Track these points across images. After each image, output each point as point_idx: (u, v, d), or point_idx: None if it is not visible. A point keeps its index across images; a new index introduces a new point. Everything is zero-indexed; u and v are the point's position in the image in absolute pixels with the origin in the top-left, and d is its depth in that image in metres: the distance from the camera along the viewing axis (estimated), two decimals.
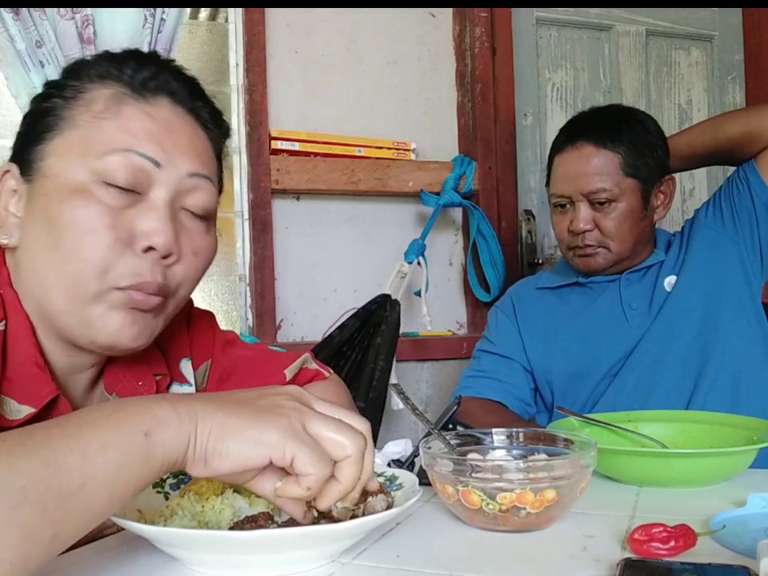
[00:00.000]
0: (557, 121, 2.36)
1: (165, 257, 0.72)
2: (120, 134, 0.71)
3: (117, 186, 0.70)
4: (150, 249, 0.71)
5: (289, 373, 0.96)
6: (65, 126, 0.73)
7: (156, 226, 0.71)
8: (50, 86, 0.77)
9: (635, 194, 1.37)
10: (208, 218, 0.78)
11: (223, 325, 2.03)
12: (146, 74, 0.74)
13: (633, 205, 1.37)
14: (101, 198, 0.70)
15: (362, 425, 0.58)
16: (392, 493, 0.66)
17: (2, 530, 0.43)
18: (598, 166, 1.35)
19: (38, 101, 0.77)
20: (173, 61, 0.80)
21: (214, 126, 0.80)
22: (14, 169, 0.75)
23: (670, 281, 1.39)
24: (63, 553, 0.63)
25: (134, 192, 0.71)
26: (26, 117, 0.78)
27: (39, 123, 0.74)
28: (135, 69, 0.74)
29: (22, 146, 0.75)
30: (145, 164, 0.71)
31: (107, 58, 0.77)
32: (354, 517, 0.59)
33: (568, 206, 1.40)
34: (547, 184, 1.48)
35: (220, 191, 0.85)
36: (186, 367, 0.91)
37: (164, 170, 0.72)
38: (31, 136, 0.74)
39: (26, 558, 0.44)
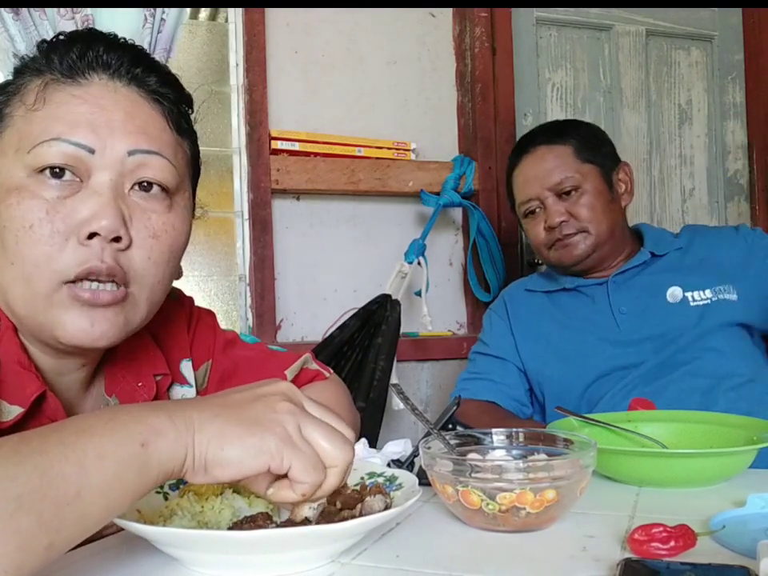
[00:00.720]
0: None
1: (114, 241, 0.68)
2: (48, 123, 0.68)
3: (52, 177, 0.67)
4: (93, 235, 0.67)
5: (290, 374, 0.95)
6: (4, 124, 0.70)
7: (97, 210, 0.67)
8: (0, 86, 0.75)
9: (597, 177, 1.43)
10: (169, 194, 0.73)
11: (223, 325, 2.02)
12: (74, 54, 0.70)
13: (598, 188, 1.42)
14: (37, 192, 0.67)
15: (349, 432, 0.58)
16: (392, 493, 0.66)
17: None
18: (554, 159, 1.43)
19: None
20: (111, 34, 0.75)
21: (166, 93, 0.74)
22: None
23: (674, 293, 1.38)
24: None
25: (72, 181, 0.68)
26: None
27: None
28: (63, 52, 0.70)
29: None
30: (78, 152, 0.67)
31: (41, 48, 0.73)
32: (351, 518, 0.59)
33: (537, 209, 1.45)
34: (512, 207, 1.55)
35: (197, 169, 0.81)
36: (186, 368, 0.90)
37: (100, 153, 0.68)
38: None
39: (20, 567, 0.44)
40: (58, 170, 0.67)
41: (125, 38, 0.76)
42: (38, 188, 0.67)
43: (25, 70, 0.73)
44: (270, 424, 0.53)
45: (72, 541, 0.48)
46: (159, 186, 0.72)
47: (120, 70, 0.71)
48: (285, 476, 0.55)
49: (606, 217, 1.42)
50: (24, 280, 0.68)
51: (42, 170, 0.67)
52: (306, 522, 0.59)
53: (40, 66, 0.71)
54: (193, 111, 0.80)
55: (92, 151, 0.68)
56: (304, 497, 0.55)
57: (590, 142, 1.45)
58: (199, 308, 0.97)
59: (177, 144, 0.75)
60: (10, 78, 0.74)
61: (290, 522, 0.60)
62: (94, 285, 0.68)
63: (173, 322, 0.84)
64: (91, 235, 0.67)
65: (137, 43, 0.77)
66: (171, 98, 0.75)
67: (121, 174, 0.70)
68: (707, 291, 1.36)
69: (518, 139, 1.58)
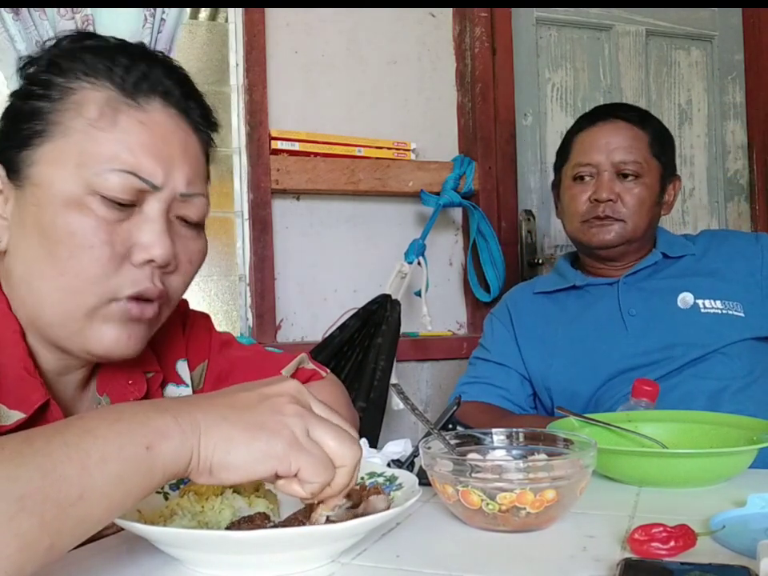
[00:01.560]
0: (557, 121, 2.37)
1: (162, 267, 0.72)
2: (119, 149, 0.69)
3: (113, 201, 0.69)
4: (148, 261, 0.71)
5: (285, 373, 0.96)
6: (55, 132, 0.70)
7: (154, 238, 0.71)
8: (31, 80, 0.73)
9: (657, 175, 1.41)
10: (199, 224, 0.78)
11: (223, 325, 2.05)
12: (138, 73, 0.71)
13: (653, 186, 1.40)
14: (96, 212, 0.69)
15: (354, 432, 0.59)
16: (392, 493, 0.66)
17: None
18: (630, 139, 1.39)
19: (20, 98, 0.73)
20: (161, 54, 0.77)
21: (205, 125, 0.79)
22: (1, 170, 0.73)
23: (685, 299, 1.37)
24: None
25: (129, 206, 0.70)
26: (5, 115, 0.74)
27: (25, 126, 0.71)
28: (126, 67, 0.71)
29: (6, 147, 0.72)
30: (144, 186, 0.70)
31: (92, 51, 0.72)
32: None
33: (588, 177, 1.41)
34: (558, 165, 1.50)
35: (207, 178, 0.83)
36: (182, 368, 0.91)
37: (161, 190, 0.72)
38: (17, 139, 0.71)
39: (21, 568, 0.44)
40: (122, 198, 0.69)
41: (174, 60, 0.78)
42: (99, 208, 0.69)
43: (68, 71, 0.71)
44: (277, 427, 0.53)
45: (73, 542, 0.48)
46: (197, 220, 0.77)
47: (179, 101, 0.74)
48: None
49: (648, 215, 1.40)
50: (72, 292, 0.69)
51: (106, 195, 0.69)
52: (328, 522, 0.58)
53: (95, 74, 0.71)
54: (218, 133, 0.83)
55: (156, 188, 0.71)
56: (313, 495, 0.55)
57: (664, 141, 1.44)
58: (194, 311, 0.98)
59: (207, 173, 0.80)
60: (46, 75, 0.72)
61: (289, 522, 0.60)
62: (138, 304, 0.72)
63: (168, 323, 0.85)
64: (145, 261, 0.71)
65: (179, 64, 0.79)
66: (209, 129, 0.80)
67: (171, 206, 0.73)
68: (718, 302, 1.35)
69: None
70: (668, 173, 1.44)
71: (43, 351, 0.75)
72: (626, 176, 1.38)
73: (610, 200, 1.38)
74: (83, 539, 0.49)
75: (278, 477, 0.54)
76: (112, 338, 0.71)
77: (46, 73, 0.72)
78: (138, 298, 0.72)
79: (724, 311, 1.34)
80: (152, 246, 0.70)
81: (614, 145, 1.39)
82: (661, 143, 1.43)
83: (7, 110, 0.74)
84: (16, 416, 0.69)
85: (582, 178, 1.42)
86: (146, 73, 0.72)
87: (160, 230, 0.71)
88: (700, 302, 1.35)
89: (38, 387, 0.71)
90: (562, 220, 1.50)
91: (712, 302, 1.35)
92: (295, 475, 0.54)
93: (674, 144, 1.49)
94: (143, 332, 0.74)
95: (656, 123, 1.46)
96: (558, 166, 1.51)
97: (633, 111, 1.45)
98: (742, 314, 1.34)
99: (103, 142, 0.69)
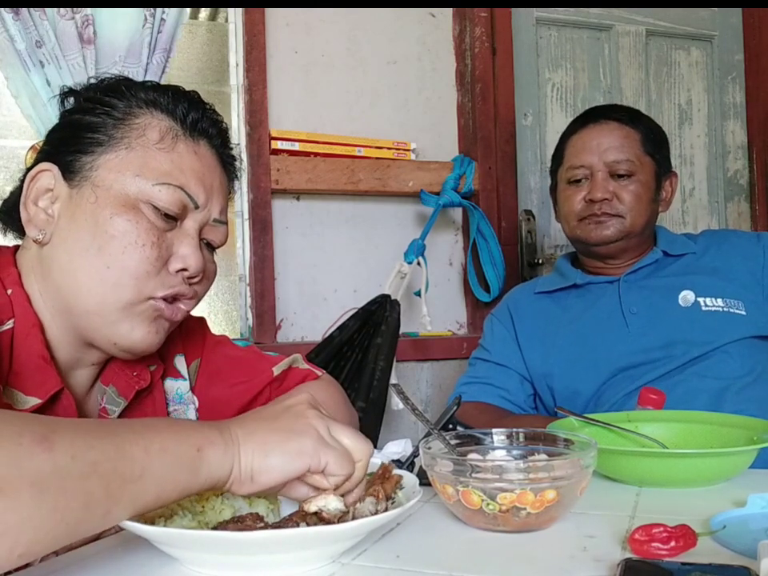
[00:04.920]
0: (557, 121, 2.37)
1: (191, 277, 0.81)
2: (174, 168, 0.79)
3: (161, 211, 0.78)
4: (182, 270, 0.80)
5: (276, 369, 0.98)
6: (118, 145, 0.79)
7: (190, 251, 0.80)
8: (90, 100, 0.82)
9: (651, 172, 1.42)
10: (215, 249, 0.88)
11: (223, 325, 2.05)
12: (195, 115, 0.83)
13: (648, 182, 1.41)
14: (151, 219, 0.78)
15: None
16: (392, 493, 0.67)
17: (70, 493, 0.48)
18: (621, 138, 1.40)
19: (79, 113, 0.82)
20: (211, 105, 0.89)
21: (233, 171, 0.91)
22: (56, 170, 0.80)
23: (686, 297, 1.36)
24: (63, 553, 0.63)
25: (172, 219, 0.79)
26: (65, 125, 0.83)
27: (87, 135, 0.79)
28: (187, 109, 0.83)
29: (64, 152, 0.80)
30: (189, 203, 0.80)
31: (156, 89, 0.84)
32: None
33: (584, 179, 1.42)
34: (553, 169, 1.51)
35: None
36: (180, 362, 0.95)
37: (201, 210, 0.82)
38: (77, 145, 0.79)
39: (80, 524, 0.49)
40: (169, 210, 0.79)
41: (219, 115, 0.90)
42: (150, 214, 0.78)
43: (131, 98, 0.81)
44: (304, 428, 0.61)
45: (124, 516, 0.53)
46: (218, 245, 0.88)
47: (219, 147, 0.87)
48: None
49: (645, 212, 1.40)
50: (114, 285, 0.76)
51: (157, 204, 0.78)
52: (321, 518, 0.60)
53: (158, 107, 0.82)
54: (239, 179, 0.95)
55: (197, 206, 0.81)
56: (336, 486, 0.61)
57: (656, 138, 1.44)
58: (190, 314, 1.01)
59: (228, 205, 0.90)
60: (107, 96, 0.81)
61: (284, 523, 0.60)
62: (170, 306, 0.80)
63: None
64: (180, 269, 0.80)
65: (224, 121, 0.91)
66: (234, 175, 0.92)
67: (202, 227, 0.83)
68: (719, 300, 1.35)
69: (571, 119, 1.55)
70: (663, 169, 1.44)
71: (62, 344, 0.80)
72: (620, 175, 1.39)
73: (606, 199, 1.38)
74: (130, 517, 0.54)
75: (308, 487, 0.62)
76: (141, 332, 0.79)
77: (107, 96, 0.82)
78: (173, 299, 0.80)
79: (725, 309, 1.34)
80: (188, 258, 0.80)
81: (605, 145, 1.40)
82: (653, 140, 1.43)
83: (65, 122, 0.83)
84: (32, 401, 0.74)
85: (577, 180, 1.42)
86: (200, 116, 0.84)
87: (196, 245, 0.81)
88: (701, 300, 1.35)
89: (53, 375, 0.76)
90: (561, 223, 1.51)
91: (713, 299, 1.35)
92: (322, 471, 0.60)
93: (667, 141, 1.49)
94: (165, 330, 0.82)
95: (647, 121, 1.46)
96: (554, 170, 1.52)
97: (623, 111, 1.46)
98: (743, 312, 1.33)
99: (161, 160, 0.79)
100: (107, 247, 0.76)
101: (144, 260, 0.77)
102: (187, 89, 0.87)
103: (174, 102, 0.83)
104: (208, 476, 0.56)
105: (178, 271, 0.80)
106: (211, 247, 0.87)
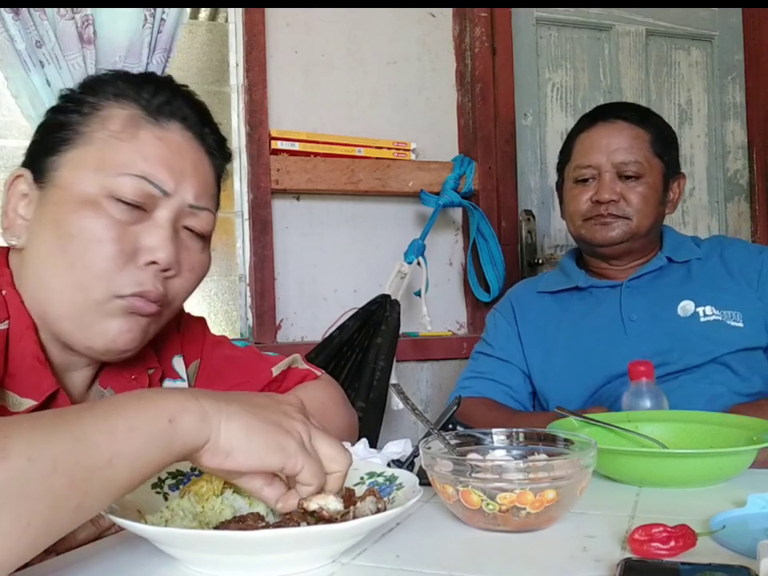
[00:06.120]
0: (557, 121, 2.37)
1: (164, 270, 0.77)
2: (135, 157, 0.76)
3: (125, 203, 0.75)
4: (152, 263, 0.76)
5: (276, 370, 0.98)
6: (81, 140, 0.77)
7: (159, 242, 0.76)
8: (66, 99, 0.80)
9: (659, 175, 1.40)
10: (205, 237, 0.84)
11: (223, 325, 2.05)
12: (162, 98, 0.79)
13: (656, 185, 1.40)
14: (109, 212, 0.75)
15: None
16: (392, 493, 0.67)
17: (32, 496, 0.46)
18: (630, 139, 1.39)
19: (54, 112, 0.80)
20: (185, 86, 0.85)
21: (218, 152, 0.85)
22: (27, 174, 0.79)
23: (685, 307, 1.35)
24: (63, 553, 0.63)
25: (140, 210, 0.76)
26: (41, 127, 0.82)
27: (55, 135, 0.78)
28: (152, 93, 0.79)
29: (36, 155, 0.79)
30: (155, 191, 0.76)
31: (124, 78, 0.81)
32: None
33: (591, 179, 1.40)
34: (561, 166, 1.50)
35: (217, 206, 0.89)
36: (178, 364, 0.94)
37: (170, 197, 0.78)
38: (46, 146, 0.78)
39: (50, 523, 0.48)
40: (133, 200, 0.76)
41: (194, 93, 0.86)
42: (113, 209, 0.75)
43: (100, 91, 0.79)
44: (290, 428, 0.59)
45: (99, 505, 0.52)
46: (203, 232, 0.83)
47: (193, 125, 0.82)
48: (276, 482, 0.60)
49: (652, 214, 1.39)
50: (80, 286, 0.74)
51: (119, 197, 0.75)
52: (322, 517, 0.60)
53: (124, 96, 0.79)
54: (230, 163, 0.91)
55: (166, 194, 0.77)
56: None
57: (665, 139, 1.43)
58: (188, 313, 1.01)
59: (216, 195, 0.87)
60: (79, 93, 0.80)
61: (284, 522, 0.60)
62: (141, 299, 0.77)
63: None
64: (149, 262, 0.76)
65: (199, 98, 0.87)
66: (221, 156, 0.86)
67: (179, 216, 0.79)
68: (717, 310, 1.34)
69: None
70: (671, 171, 1.43)
71: (51, 347, 0.79)
72: (627, 177, 1.38)
73: (613, 200, 1.37)
74: (107, 504, 0.53)
75: (266, 479, 0.60)
76: (114, 331, 0.76)
77: (81, 93, 0.80)
78: (140, 297, 0.76)
79: (723, 320, 1.33)
80: (157, 249, 0.76)
81: (614, 145, 1.39)
82: (663, 141, 1.42)
83: (42, 123, 0.82)
84: (28, 403, 0.73)
85: (584, 180, 1.41)
86: (169, 99, 0.80)
87: (166, 236, 0.77)
88: (700, 309, 1.35)
89: (48, 376, 0.76)
90: (566, 221, 1.49)
91: (712, 309, 1.34)
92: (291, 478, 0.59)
93: (676, 141, 1.47)
94: (142, 327, 0.78)
95: (657, 121, 1.45)
96: (561, 167, 1.51)
97: (633, 111, 1.44)
98: (740, 324, 1.33)
99: (122, 151, 0.76)
100: (69, 247, 0.74)
101: (104, 257, 0.74)
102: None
103: (139, 87, 0.80)
104: (183, 446, 0.54)
105: (147, 264, 0.76)
106: (200, 237, 0.83)
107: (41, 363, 0.75)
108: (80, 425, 0.50)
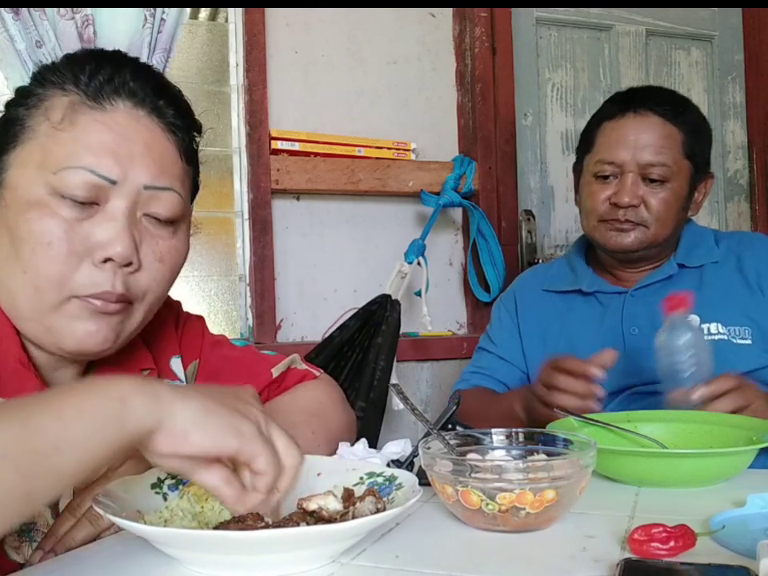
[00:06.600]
0: (557, 121, 2.37)
1: (125, 265, 0.72)
2: (76, 148, 0.71)
3: (72, 200, 0.70)
4: (108, 259, 0.71)
5: (275, 371, 0.97)
6: (25, 136, 0.72)
7: (113, 236, 0.71)
8: (17, 92, 0.76)
9: (686, 179, 1.30)
10: (174, 222, 0.77)
11: (223, 325, 2.05)
12: (102, 77, 0.73)
13: (682, 189, 1.29)
14: (57, 211, 0.70)
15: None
16: (392, 493, 0.66)
17: None
18: (661, 138, 1.27)
19: (6, 108, 0.76)
20: (136, 59, 0.79)
21: (181, 124, 0.78)
22: None
23: (690, 321, 1.22)
24: (62, 553, 0.63)
25: (91, 205, 0.71)
26: None
27: (5, 133, 0.74)
28: (91, 73, 0.73)
29: None
30: (101, 182, 0.71)
31: (65, 62, 0.76)
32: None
33: (612, 177, 1.29)
34: (580, 152, 1.38)
35: (197, 188, 0.84)
36: (176, 365, 0.92)
37: (120, 185, 0.72)
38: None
39: (1, 514, 0.47)
40: (80, 196, 0.70)
41: (148, 64, 0.79)
42: (58, 207, 0.70)
43: (45, 81, 0.74)
44: (247, 413, 0.58)
45: (50, 492, 0.50)
46: (168, 217, 0.76)
47: (144, 100, 0.74)
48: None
49: (673, 221, 1.29)
50: (34, 289, 0.71)
51: (65, 194, 0.70)
52: (321, 517, 0.60)
53: (65, 81, 0.73)
54: (201, 137, 0.83)
55: (114, 183, 0.71)
56: (266, 488, 0.58)
57: (699, 137, 1.30)
58: (188, 312, 0.99)
59: (185, 173, 0.79)
60: (30, 86, 0.75)
61: (284, 522, 0.60)
62: (100, 299, 0.72)
63: (161, 322, 0.87)
64: (105, 259, 0.71)
65: (156, 68, 0.80)
66: (185, 129, 0.79)
67: (135, 203, 0.73)
68: (723, 328, 1.25)
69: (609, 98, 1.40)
70: (700, 173, 1.32)
71: (32, 347, 0.77)
72: (652, 180, 1.27)
73: (632, 205, 1.27)
74: (59, 490, 0.51)
75: (224, 475, 0.57)
76: (81, 332, 0.72)
77: (31, 85, 0.75)
78: (97, 298, 0.72)
79: (729, 338, 1.24)
80: (110, 244, 0.71)
81: (642, 143, 1.26)
82: (696, 140, 1.29)
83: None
84: None
85: (605, 176, 1.30)
86: (111, 76, 0.73)
87: (120, 228, 0.71)
88: (705, 326, 1.25)
89: (32, 378, 0.74)
90: (580, 214, 1.40)
91: (718, 326, 1.25)
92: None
93: (710, 138, 1.35)
94: (113, 325, 0.74)
95: (693, 117, 1.32)
96: (581, 153, 1.38)
97: (668, 103, 1.30)
98: (749, 341, 1.23)
99: (62, 142, 0.71)
100: (20, 251, 0.70)
101: (52, 259, 0.70)
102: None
103: (79, 68, 0.74)
104: (135, 426, 0.53)
105: (103, 262, 0.71)
106: (167, 223, 0.76)
107: (23, 365, 0.73)
108: (28, 411, 0.49)
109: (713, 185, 1.37)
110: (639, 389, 1.27)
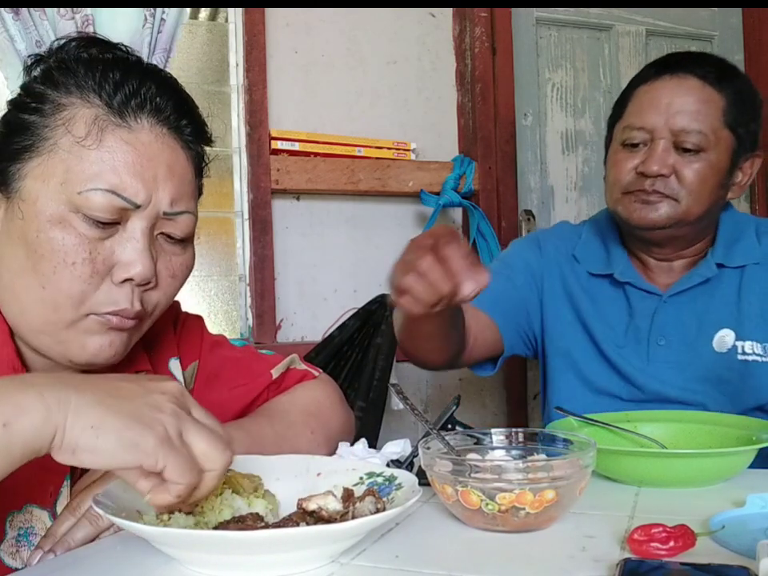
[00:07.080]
0: (557, 121, 2.37)
1: (142, 284, 0.73)
2: (103, 168, 0.70)
3: (95, 220, 0.70)
4: (128, 279, 0.71)
5: (275, 372, 0.96)
6: (44, 148, 0.70)
7: (134, 257, 0.71)
8: (26, 93, 0.74)
9: (727, 152, 1.14)
10: (186, 240, 0.78)
11: (223, 325, 2.05)
12: (127, 89, 0.71)
13: (721, 163, 1.14)
14: (79, 230, 0.70)
15: (228, 438, 0.60)
16: (392, 493, 0.66)
17: None
18: (699, 103, 1.12)
19: (14, 109, 0.74)
20: (155, 67, 0.78)
21: (198, 141, 0.79)
22: None
23: (723, 339, 1.15)
24: (62, 553, 0.63)
25: (112, 223, 0.71)
26: (3, 124, 0.74)
27: (17, 139, 0.71)
28: (117, 83, 0.71)
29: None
30: (126, 205, 0.70)
31: (87, 64, 0.73)
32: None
33: (641, 145, 1.14)
34: (611, 122, 1.24)
35: (200, 194, 0.84)
36: (175, 366, 0.91)
37: (143, 209, 0.72)
38: (8, 152, 0.72)
39: None
40: (103, 217, 0.70)
41: (167, 74, 0.79)
42: (81, 226, 0.70)
43: (61, 85, 0.72)
44: (152, 422, 0.54)
45: None
46: (182, 236, 0.77)
47: (169, 118, 0.74)
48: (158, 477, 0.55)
49: (708, 198, 1.14)
50: (52, 305, 0.71)
51: (88, 214, 0.70)
52: (321, 517, 0.59)
53: (87, 90, 0.71)
54: (212, 146, 0.83)
55: (138, 207, 0.71)
56: (179, 498, 0.55)
57: (744, 107, 1.15)
58: (186, 312, 0.99)
59: (196, 188, 0.79)
60: (42, 87, 0.72)
61: (284, 523, 0.60)
62: (117, 315, 0.72)
63: (160, 323, 0.86)
64: (125, 280, 0.71)
65: (173, 77, 0.79)
66: (200, 143, 0.79)
67: (154, 224, 0.73)
68: (759, 345, 1.13)
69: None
70: (744, 148, 1.16)
71: (29, 354, 0.77)
72: (686, 149, 1.12)
73: (662, 174, 1.12)
74: None
75: (144, 473, 0.55)
76: (94, 346, 0.73)
77: (41, 85, 0.73)
78: (115, 315, 0.72)
79: (765, 359, 1.13)
80: (132, 265, 0.71)
81: (677, 107, 1.12)
82: (740, 110, 1.14)
83: (2, 121, 0.75)
84: None
85: (634, 144, 1.15)
86: (136, 89, 0.72)
87: (141, 249, 0.72)
88: (740, 344, 1.14)
89: None
90: (605, 191, 1.24)
91: (754, 345, 1.14)
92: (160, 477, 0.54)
93: (760, 111, 1.18)
94: (124, 340, 0.75)
95: (740, 84, 1.16)
96: (612, 122, 1.24)
97: (712, 66, 1.15)
98: None
99: (87, 161, 0.70)
100: (39, 267, 0.70)
101: (76, 279, 0.70)
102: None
103: (103, 77, 0.71)
104: (24, 448, 0.51)
105: (123, 282, 0.72)
106: (180, 241, 0.77)
107: (17, 373, 0.73)
108: None
109: (759, 166, 1.20)
110: (657, 405, 1.15)
